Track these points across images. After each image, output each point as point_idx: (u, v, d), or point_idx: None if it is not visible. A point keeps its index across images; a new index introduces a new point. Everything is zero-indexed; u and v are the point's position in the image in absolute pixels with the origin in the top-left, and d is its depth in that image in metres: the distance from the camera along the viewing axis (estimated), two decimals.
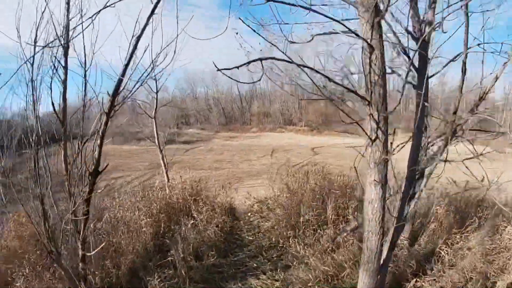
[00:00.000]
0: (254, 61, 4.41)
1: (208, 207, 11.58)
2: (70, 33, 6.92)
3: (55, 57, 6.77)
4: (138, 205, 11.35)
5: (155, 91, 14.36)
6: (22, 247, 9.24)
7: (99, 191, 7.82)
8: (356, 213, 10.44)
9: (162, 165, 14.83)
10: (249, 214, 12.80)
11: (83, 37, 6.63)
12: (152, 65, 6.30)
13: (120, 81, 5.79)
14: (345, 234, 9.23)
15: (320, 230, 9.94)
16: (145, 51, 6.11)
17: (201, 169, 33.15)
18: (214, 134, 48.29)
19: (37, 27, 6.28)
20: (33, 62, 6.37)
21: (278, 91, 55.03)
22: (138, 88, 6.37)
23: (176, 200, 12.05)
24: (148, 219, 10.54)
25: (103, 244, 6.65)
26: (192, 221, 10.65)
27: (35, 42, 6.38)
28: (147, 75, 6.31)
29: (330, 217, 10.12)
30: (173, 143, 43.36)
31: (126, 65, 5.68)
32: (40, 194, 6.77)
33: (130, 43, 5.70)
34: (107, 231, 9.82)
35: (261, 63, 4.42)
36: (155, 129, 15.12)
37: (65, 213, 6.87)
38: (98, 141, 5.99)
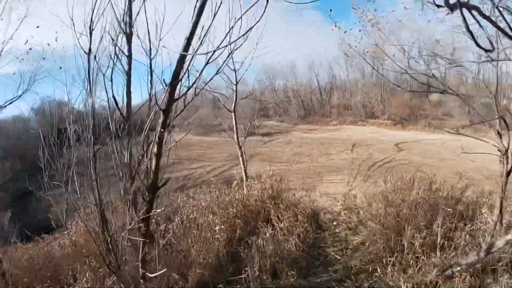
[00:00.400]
0: None
1: (289, 213, 10.01)
2: (133, 16, 5.77)
3: (116, 44, 5.61)
4: (213, 208, 10.19)
5: (235, 83, 13.11)
6: (88, 245, 8.51)
7: (159, 210, 6.53)
8: (467, 237, 8.14)
9: (241, 161, 13.58)
10: (335, 223, 10.91)
11: (147, 21, 5.27)
12: (230, 45, 4.50)
13: (181, 60, 4.17)
14: (458, 268, 7.02)
15: (424, 256, 7.75)
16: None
17: (279, 162, 31.87)
18: (293, 127, 46.56)
19: (93, 11, 5.11)
20: (89, 51, 5.23)
21: (360, 81, 51.77)
22: (212, 77, 4.81)
23: (255, 203, 10.69)
24: (223, 225, 9.29)
25: (164, 270, 5.38)
26: (271, 230, 9.20)
27: (91, 29, 5.25)
28: (226, 59, 4.69)
29: (439, 241, 7.84)
30: (253, 135, 42.73)
31: (189, 38, 3.99)
32: (99, 201, 5.76)
33: (195, 6, 3.96)
34: (177, 236, 8.76)
35: None
36: (234, 123, 13.90)
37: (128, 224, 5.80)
38: (155, 149, 4.56)
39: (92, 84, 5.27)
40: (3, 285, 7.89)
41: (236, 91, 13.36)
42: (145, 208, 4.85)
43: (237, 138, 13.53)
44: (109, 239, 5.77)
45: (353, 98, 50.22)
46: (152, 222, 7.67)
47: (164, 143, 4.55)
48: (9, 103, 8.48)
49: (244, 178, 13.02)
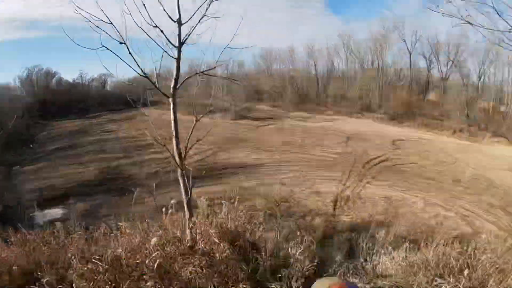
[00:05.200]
0: None
1: None
2: None
3: None
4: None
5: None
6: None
7: None
8: None
9: (181, 185, 5.51)
10: None
11: None
12: None
13: None
14: None
15: None
16: None
17: (267, 150, 30.72)
18: (286, 113, 44.56)
19: None
20: None
21: (358, 73, 48.96)
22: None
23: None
24: None
25: None
26: None
27: None
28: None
29: None
30: (244, 118, 40.52)
31: None
32: None
33: None
34: None
35: None
36: (172, 113, 5.20)
37: None
38: None
39: None
40: None
41: (177, 68, 5.28)
42: None
43: (176, 136, 5.54)
44: None
45: (351, 89, 47.51)
46: None
47: None
48: None
49: (187, 214, 5.45)
